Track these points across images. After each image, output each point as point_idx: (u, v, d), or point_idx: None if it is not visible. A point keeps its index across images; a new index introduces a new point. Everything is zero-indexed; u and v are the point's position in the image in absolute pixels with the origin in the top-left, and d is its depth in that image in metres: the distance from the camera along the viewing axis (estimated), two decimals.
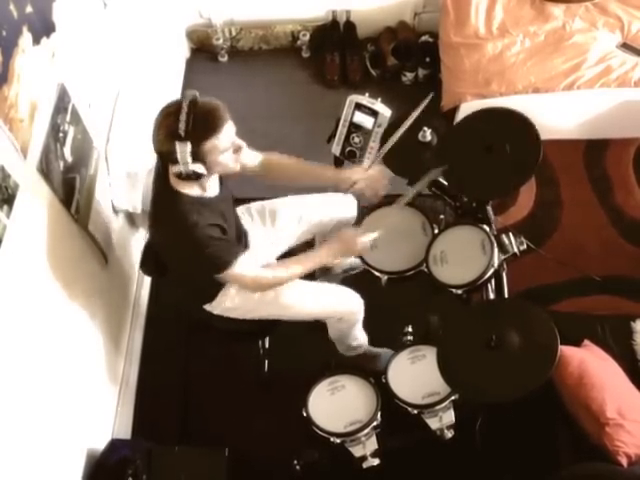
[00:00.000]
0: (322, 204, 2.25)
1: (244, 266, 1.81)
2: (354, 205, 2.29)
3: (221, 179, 1.86)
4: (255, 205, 2.22)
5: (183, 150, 1.57)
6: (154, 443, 2.09)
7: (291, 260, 1.97)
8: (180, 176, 1.63)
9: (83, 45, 2.08)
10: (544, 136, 1.94)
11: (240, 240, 2.03)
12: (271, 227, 2.19)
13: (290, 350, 2.40)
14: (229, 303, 2.02)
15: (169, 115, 1.58)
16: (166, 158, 1.64)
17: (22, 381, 1.63)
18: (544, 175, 2.93)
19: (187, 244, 1.72)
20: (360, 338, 2.32)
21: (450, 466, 2.12)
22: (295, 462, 2.01)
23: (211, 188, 1.78)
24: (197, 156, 1.60)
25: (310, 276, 2.17)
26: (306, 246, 2.30)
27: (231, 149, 1.67)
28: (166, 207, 1.75)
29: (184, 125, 1.55)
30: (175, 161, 1.59)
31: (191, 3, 3.28)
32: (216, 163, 1.66)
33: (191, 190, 1.71)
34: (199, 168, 1.62)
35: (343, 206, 2.28)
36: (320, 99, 3.27)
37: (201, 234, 1.69)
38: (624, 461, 1.77)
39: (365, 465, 1.89)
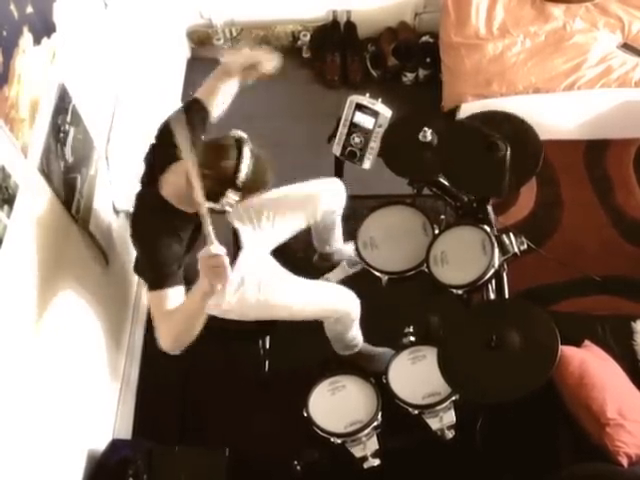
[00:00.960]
0: (307, 195, 2.22)
1: (176, 292, 1.65)
2: (342, 193, 2.28)
3: None
4: (241, 205, 2.20)
5: (232, 197, 1.56)
6: (154, 443, 2.10)
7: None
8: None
9: (84, 45, 2.08)
10: (544, 136, 1.94)
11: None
12: (258, 225, 2.17)
13: (290, 350, 2.40)
14: (226, 305, 2.02)
15: (225, 157, 1.54)
16: (210, 195, 1.52)
17: (23, 382, 1.63)
18: (544, 175, 2.93)
19: (144, 244, 1.72)
20: (357, 337, 2.32)
21: (451, 466, 2.12)
22: (295, 462, 2.01)
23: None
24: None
25: (311, 275, 2.18)
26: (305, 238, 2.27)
27: None
28: (149, 210, 1.74)
29: (244, 178, 1.54)
30: (215, 199, 1.55)
31: (191, 3, 3.28)
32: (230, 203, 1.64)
33: (179, 204, 1.69)
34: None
35: (331, 194, 2.25)
36: (320, 99, 3.27)
37: (160, 243, 1.66)
38: (625, 461, 1.77)
39: (366, 465, 1.89)
